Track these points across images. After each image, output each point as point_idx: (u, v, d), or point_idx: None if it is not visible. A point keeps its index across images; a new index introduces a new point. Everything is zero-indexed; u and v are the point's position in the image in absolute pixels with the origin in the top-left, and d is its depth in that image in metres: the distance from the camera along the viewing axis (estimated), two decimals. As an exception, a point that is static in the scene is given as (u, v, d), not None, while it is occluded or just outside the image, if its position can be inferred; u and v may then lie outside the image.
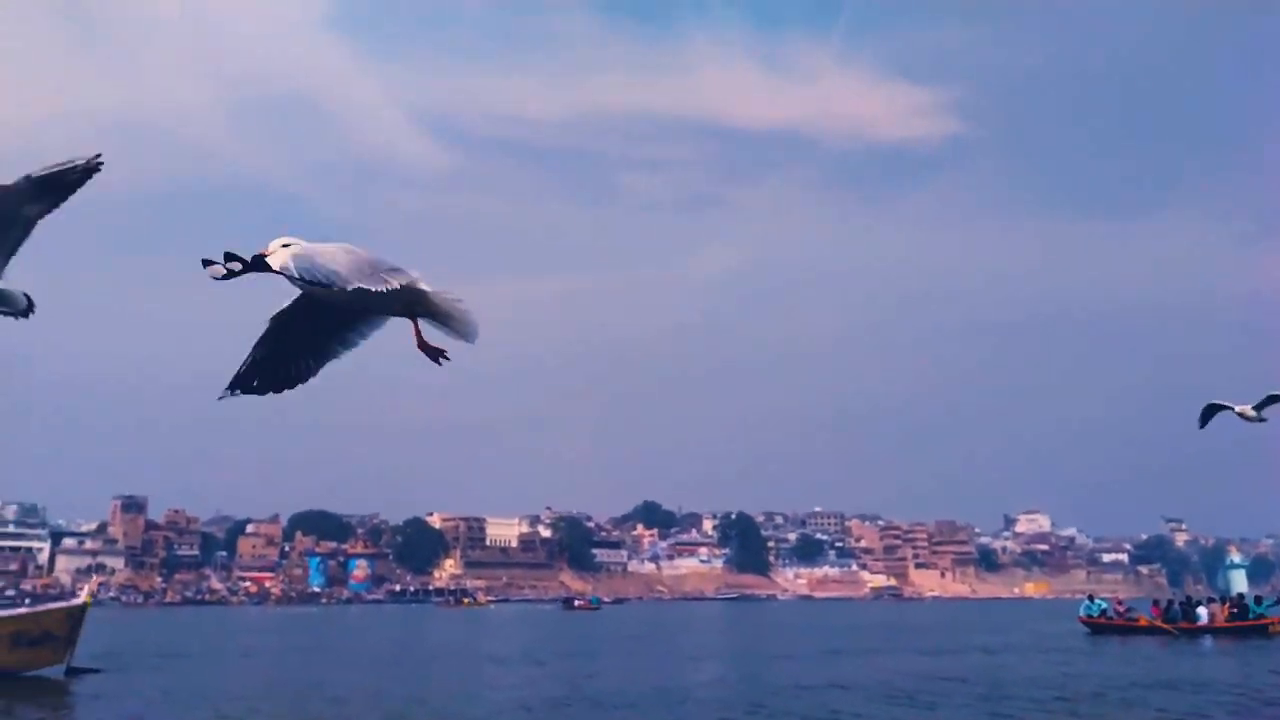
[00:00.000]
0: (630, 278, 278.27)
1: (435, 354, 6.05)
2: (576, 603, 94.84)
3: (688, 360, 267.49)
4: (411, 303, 5.89)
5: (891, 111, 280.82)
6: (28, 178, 4.87)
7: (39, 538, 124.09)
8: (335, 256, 4.98)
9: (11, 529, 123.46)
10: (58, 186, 4.83)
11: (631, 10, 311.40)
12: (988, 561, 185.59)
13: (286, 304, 5.33)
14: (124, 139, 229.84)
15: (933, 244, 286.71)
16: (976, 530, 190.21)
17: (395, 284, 5.43)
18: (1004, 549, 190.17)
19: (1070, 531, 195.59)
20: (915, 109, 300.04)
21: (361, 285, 5.07)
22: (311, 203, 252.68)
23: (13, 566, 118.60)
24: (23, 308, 5.40)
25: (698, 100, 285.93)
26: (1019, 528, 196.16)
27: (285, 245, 5.03)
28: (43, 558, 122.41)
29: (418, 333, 5.91)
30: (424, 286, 5.82)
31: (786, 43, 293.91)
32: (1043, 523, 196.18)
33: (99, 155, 4.98)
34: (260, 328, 5.06)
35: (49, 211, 5.03)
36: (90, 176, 4.97)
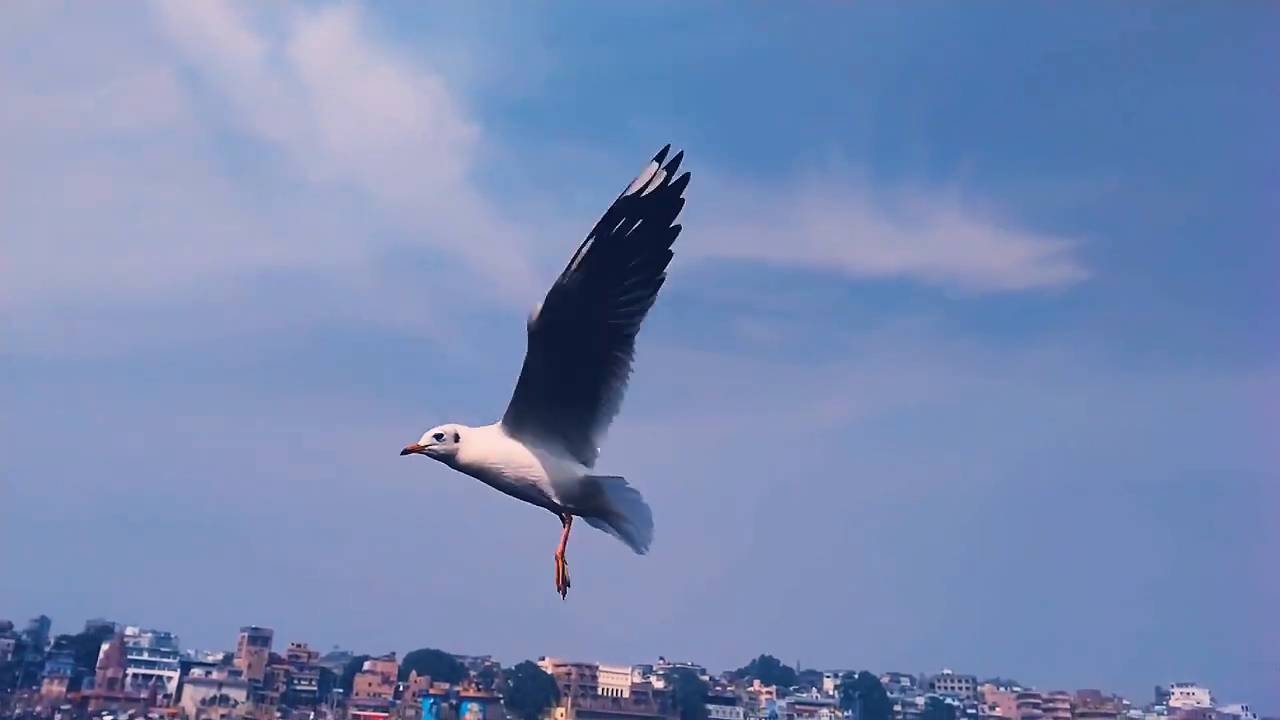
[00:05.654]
0: (747, 424, 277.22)
1: (563, 582, 5.61)
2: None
3: (808, 509, 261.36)
4: (588, 496, 5.56)
5: (1014, 259, 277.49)
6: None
7: (170, 666, 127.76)
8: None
9: (146, 656, 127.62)
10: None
11: (748, 165, 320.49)
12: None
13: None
14: (281, 289, 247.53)
15: (1069, 394, 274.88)
16: (1125, 702, 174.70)
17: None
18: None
19: (1234, 709, 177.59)
20: (1038, 257, 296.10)
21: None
22: (442, 345, 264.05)
23: (143, 695, 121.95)
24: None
25: (817, 248, 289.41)
26: (1174, 702, 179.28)
27: (437, 435, 5.10)
28: (171, 686, 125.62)
29: (566, 539, 5.53)
30: (601, 479, 5.51)
31: (906, 194, 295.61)
32: (1201, 698, 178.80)
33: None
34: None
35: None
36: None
